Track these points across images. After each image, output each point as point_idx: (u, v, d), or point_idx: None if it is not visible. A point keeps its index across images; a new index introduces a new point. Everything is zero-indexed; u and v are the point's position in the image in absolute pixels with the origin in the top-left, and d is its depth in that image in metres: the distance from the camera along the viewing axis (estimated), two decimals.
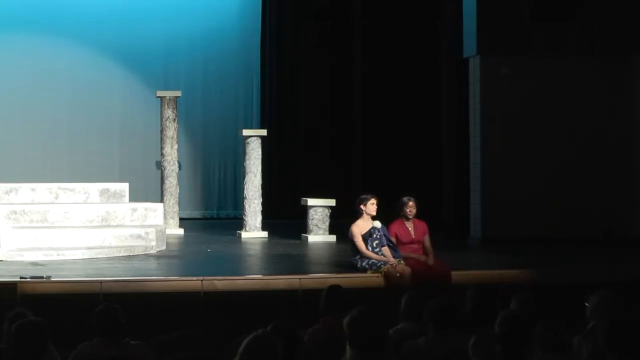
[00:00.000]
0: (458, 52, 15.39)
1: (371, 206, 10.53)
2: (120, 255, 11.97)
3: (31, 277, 9.63)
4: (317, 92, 18.76)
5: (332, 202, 14.67)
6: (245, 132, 15.44)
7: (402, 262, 10.24)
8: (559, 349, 5.56)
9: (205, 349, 6.76)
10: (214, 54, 18.91)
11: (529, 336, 5.31)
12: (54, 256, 11.51)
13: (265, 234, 15.01)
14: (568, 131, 14.81)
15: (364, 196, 10.65)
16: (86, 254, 11.71)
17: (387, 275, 10.12)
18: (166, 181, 15.76)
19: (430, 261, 10.42)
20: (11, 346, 5.81)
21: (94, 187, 13.74)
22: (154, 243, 12.52)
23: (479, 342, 5.29)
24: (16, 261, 11.20)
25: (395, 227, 10.62)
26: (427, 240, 10.66)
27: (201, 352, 6.65)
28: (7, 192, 13.28)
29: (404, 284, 9.85)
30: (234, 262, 12.28)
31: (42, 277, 9.65)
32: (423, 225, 10.74)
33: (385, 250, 10.34)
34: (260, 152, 15.23)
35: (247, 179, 15.19)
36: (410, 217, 10.62)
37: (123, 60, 18.59)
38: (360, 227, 10.49)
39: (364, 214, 10.52)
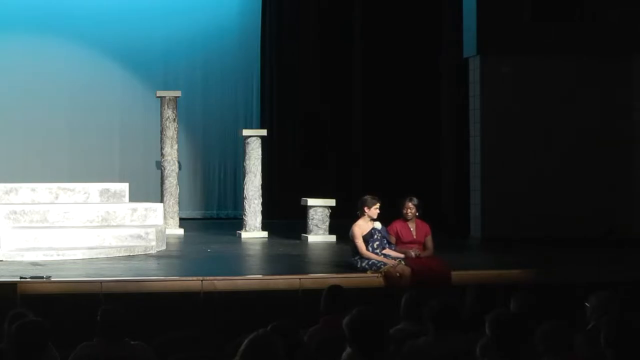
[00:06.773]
0: (458, 52, 15.40)
1: (375, 210, 10.50)
2: (120, 255, 11.96)
3: (31, 277, 9.62)
4: (317, 91, 18.74)
5: (332, 202, 14.67)
6: (245, 132, 15.43)
7: (402, 262, 10.24)
8: (562, 350, 5.55)
9: (205, 349, 6.75)
10: (214, 54, 18.89)
11: (524, 336, 5.29)
12: (54, 256, 11.50)
13: (265, 234, 15.01)
14: (568, 131, 14.82)
15: (369, 198, 10.57)
16: (86, 254, 11.70)
17: (387, 275, 10.12)
18: (166, 181, 15.76)
19: (426, 254, 10.42)
20: (11, 346, 5.81)
21: (94, 187, 13.74)
22: (154, 243, 12.51)
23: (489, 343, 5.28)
24: (16, 261, 11.20)
25: (397, 225, 10.63)
26: (429, 240, 10.66)
27: (201, 352, 6.64)
28: (7, 192, 13.28)
29: (404, 284, 9.85)
30: (234, 262, 12.27)
31: (42, 277, 9.64)
32: (425, 227, 10.73)
33: (388, 252, 10.36)
34: (260, 152, 15.22)
35: (247, 179, 15.19)
36: (409, 218, 10.62)
37: (123, 60, 18.58)
38: (362, 227, 10.49)
39: (366, 216, 10.52)
